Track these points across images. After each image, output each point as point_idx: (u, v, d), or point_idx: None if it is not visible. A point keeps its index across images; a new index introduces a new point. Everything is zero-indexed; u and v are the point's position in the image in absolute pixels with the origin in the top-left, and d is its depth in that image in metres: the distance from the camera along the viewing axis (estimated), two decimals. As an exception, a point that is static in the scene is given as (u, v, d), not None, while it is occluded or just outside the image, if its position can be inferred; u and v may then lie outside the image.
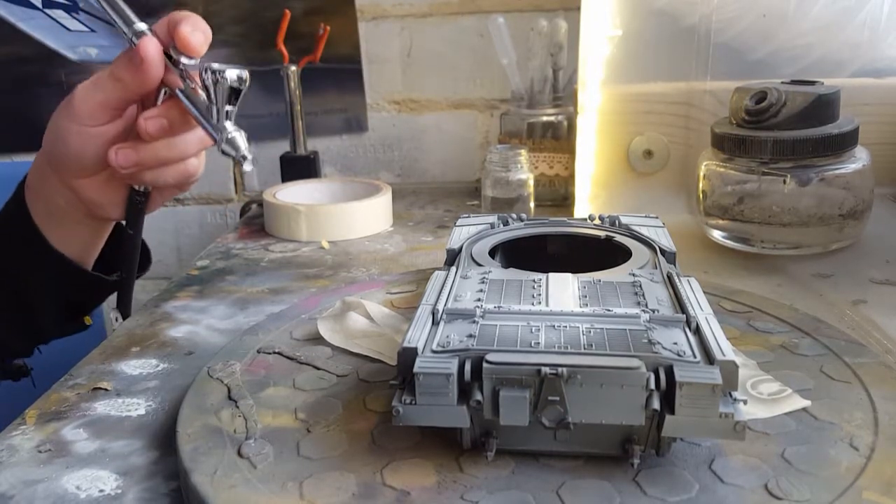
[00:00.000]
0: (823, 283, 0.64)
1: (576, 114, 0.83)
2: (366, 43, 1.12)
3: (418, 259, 0.76)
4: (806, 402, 0.40)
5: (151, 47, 0.50)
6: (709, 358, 0.35)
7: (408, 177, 1.18)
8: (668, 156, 0.84)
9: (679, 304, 0.42)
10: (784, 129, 0.66)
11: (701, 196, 0.73)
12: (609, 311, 0.40)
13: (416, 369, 0.35)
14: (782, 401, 0.41)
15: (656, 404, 0.33)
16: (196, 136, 0.54)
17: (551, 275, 0.46)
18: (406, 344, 0.36)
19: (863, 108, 0.76)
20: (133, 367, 0.53)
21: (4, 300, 0.61)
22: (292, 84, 0.99)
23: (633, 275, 0.47)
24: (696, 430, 0.34)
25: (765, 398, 0.41)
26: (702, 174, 0.72)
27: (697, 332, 0.38)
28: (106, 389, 0.50)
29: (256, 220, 0.91)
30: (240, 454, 0.38)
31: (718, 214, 0.71)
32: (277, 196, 0.87)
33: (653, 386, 0.33)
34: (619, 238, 0.54)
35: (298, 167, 1.00)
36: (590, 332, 0.38)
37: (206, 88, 0.50)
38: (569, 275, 0.46)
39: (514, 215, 0.59)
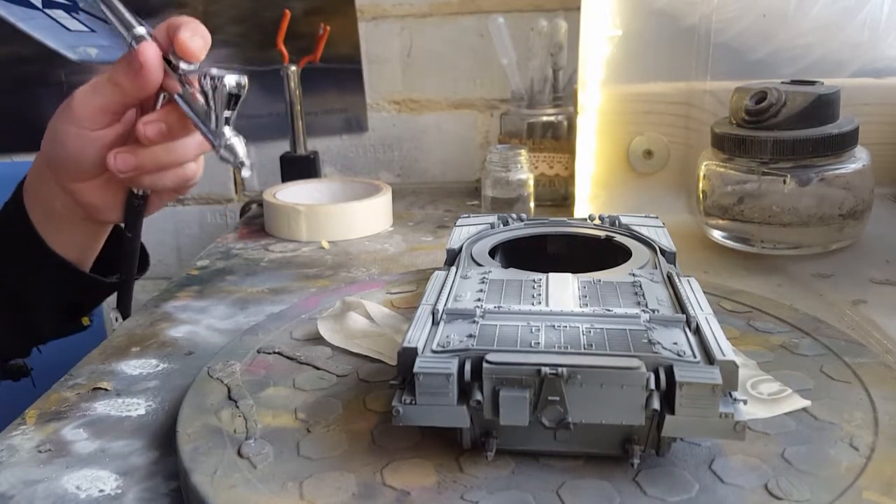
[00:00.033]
0: (823, 283, 0.64)
1: (576, 114, 0.83)
2: (366, 43, 1.12)
3: (418, 259, 0.76)
4: (806, 402, 0.40)
5: (151, 52, 0.50)
6: (709, 358, 0.35)
7: (408, 177, 1.18)
8: (668, 156, 0.84)
9: (679, 304, 0.42)
10: (784, 129, 0.66)
11: (701, 196, 0.73)
12: (609, 311, 0.40)
13: (416, 369, 0.35)
14: (782, 401, 0.41)
15: (656, 404, 0.33)
16: (195, 141, 0.54)
17: (551, 275, 0.46)
18: (406, 344, 0.36)
19: (863, 108, 0.76)
20: (133, 367, 0.53)
21: (2, 301, 0.61)
22: (292, 84, 0.99)
23: (633, 275, 0.47)
24: (696, 430, 0.34)
25: (765, 398, 0.41)
26: (702, 174, 0.72)
27: (697, 332, 0.38)
28: (106, 389, 0.50)
29: (256, 220, 0.91)
30: (240, 454, 0.38)
31: (718, 214, 0.71)
32: (277, 196, 0.87)
33: (653, 386, 0.33)
34: (619, 238, 0.54)
35: (298, 167, 1.00)
36: (590, 332, 0.38)
37: (204, 94, 0.50)
38: (569, 275, 0.46)
39: (514, 215, 0.59)
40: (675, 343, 0.36)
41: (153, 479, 0.40)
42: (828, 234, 0.68)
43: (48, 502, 0.38)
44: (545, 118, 0.94)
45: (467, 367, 0.35)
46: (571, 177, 0.87)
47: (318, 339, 0.51)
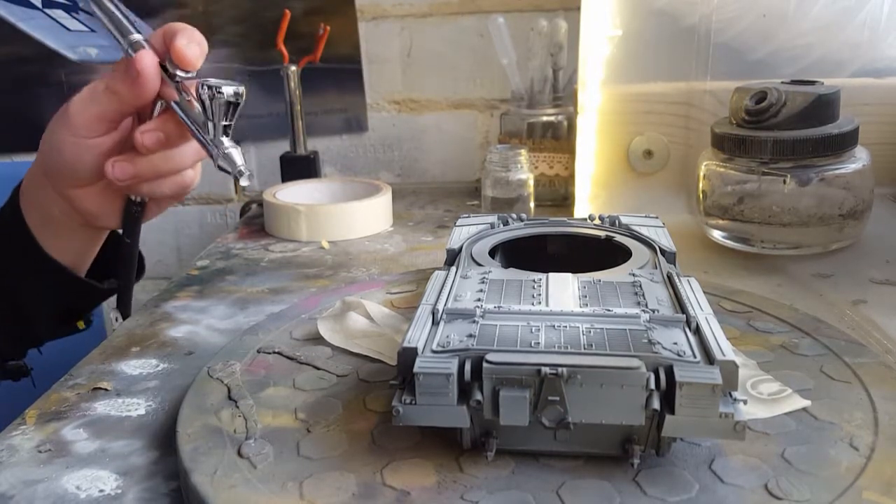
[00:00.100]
0: (823, 283, 0.64)
1: (576, 114, 0.83)
2: (366, 43, 1.12)
3: (418, 259, 0.76)
4: (806, 402, 0.40)
5: (147, 60, 0.50)
6: (709, 358, 0.35)
7: (408, 177, 1.18)
8: (668, 156, 0.84)
9: (679, 304, 0.42)
10: (784, 129, 0.66)
11: (701, 196, 0.73)
12: (609, 311, 0.40)
13: (416, 369, 0.35)
14: (782, 401, 0.41)
15: (656, 404, 0.33)
16: (192, 148, 0.54)
17: (551, 275, 0.46)
18: (406, 344, 0.36)
19: (863, 108, 0.76)
20: (133, 367, 0.53)
21: None
22: (292, 84, 0.99)
23: (633, 275, 0.47)
24: (696, 430, 0.34)
25: (765, 398, 0.41)
26: (702, 174, 0.72)
27: (697, 332, 0.38)
28: (106, 389, 0.50)
29: (256, 220, 0.91)
30: (240, 454, 0.38)
31: (718, 214, 0.71)
32: (277, 196, 0.87)
33: (653, 386, 0.33)
34: (619, 238, 0.54)
35: (298, 167, 1.00)
36: (590, 332, 0.38)
37: (202, 103, 0.50)
38: (569, 275, 0.46)
39: (514, 215, 0.59)
40: (675, 343, 0.36)
41: (153, 479, 0.40)
42: (828, 234, 0.68)
43: (48, 502, 0.38)
44: (545, 118, 0.94)
45: (467, 367, 0.35)
46: (571, 177, 0.87)
47: (318, 339, 0.51)
